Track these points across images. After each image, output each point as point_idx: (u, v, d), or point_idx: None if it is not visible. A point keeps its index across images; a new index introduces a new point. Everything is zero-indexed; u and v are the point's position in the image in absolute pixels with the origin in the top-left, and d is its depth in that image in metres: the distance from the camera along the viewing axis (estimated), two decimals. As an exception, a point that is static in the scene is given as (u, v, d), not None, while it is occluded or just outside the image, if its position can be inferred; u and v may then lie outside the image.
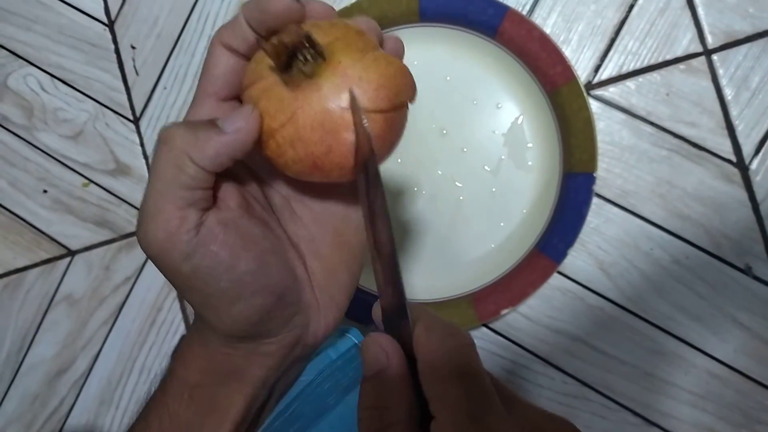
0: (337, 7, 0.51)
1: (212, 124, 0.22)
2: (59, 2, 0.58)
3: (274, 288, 0.24)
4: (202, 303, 0.24)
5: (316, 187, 0.27)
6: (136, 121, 0.56)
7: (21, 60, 0.58)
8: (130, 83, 0.56)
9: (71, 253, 0.57)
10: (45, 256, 0.58)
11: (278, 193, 0.27)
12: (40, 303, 0.58)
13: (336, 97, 0.22)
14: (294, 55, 0.21)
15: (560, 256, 0.46)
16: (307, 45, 0.21)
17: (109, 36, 0.57)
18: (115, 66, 0.57)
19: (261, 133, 0.23)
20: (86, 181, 0.57)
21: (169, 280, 0.23)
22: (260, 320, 0.24)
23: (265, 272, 0.23)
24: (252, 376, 0.25)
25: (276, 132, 0.22)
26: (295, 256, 0.26)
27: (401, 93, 0.23)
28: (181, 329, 0.55)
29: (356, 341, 0.34)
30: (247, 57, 0.24)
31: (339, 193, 0.28)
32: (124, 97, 0.56)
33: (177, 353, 0.27)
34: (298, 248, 0.27)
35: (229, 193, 0.24)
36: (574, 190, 0.46)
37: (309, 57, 0.21)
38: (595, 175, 0.46)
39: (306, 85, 0.22)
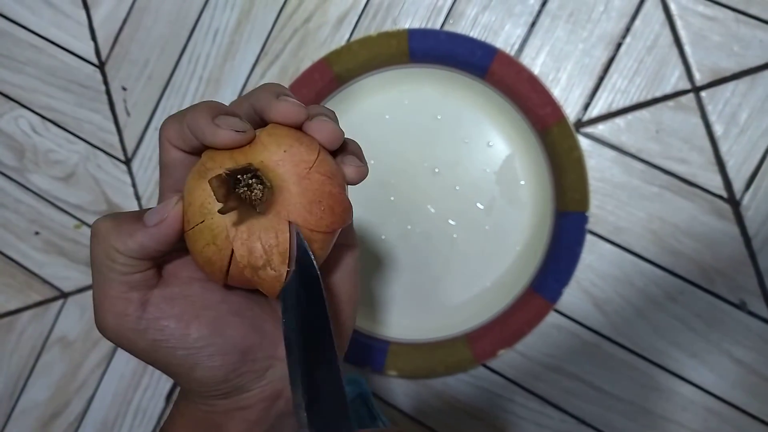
0: (328, 49, 0.51)
1: (139, 216, 0.23)
2: (50, 44, 0.58)
3: (233, 348, 0.24)
4: (166, 371, 0.25)
5: None
6: (127, 162, 0.56)
7: (12, 102, 0.58)
8: (121, 124, 0.56)
9: (64, 295, 0.57)
10: (38, 298, 0.58)
11: None
12: (33, 346, 0.57)
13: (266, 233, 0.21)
14: (238, 182, 0.21)
15: (555, 295, 0.46)
16: (254, 180, 0.21)
17: (100, 77, 0.57)
18: (107, 107, 0.57)
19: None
20: (78, 222, 0.57)
21: (134, 356, 0.24)
22: (226, 378, 0.25)
23: (221, 334, 0.24)
24: (234, 431, 0.26)
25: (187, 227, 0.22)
26: (267, 312, 0.27)
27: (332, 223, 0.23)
28: (176, 371, 0.55)
29: (359, 391, 0.34)
30: (196, 153, 0.24)
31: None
32: (116, 138, 0.56)
33: (171, 411, 0.28)
34: (271, 303, 0.27)
35: (179, 266, 0.25)
36: (566, 229, 0.46)
37: (255, 190, 0.21)
38: (587, 214, 0.46)
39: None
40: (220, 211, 0.20)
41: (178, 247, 0.24)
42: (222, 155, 0.22)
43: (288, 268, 0.22)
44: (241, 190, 0.20)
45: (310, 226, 0.22)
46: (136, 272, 0.23)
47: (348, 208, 0.23)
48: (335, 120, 0.25)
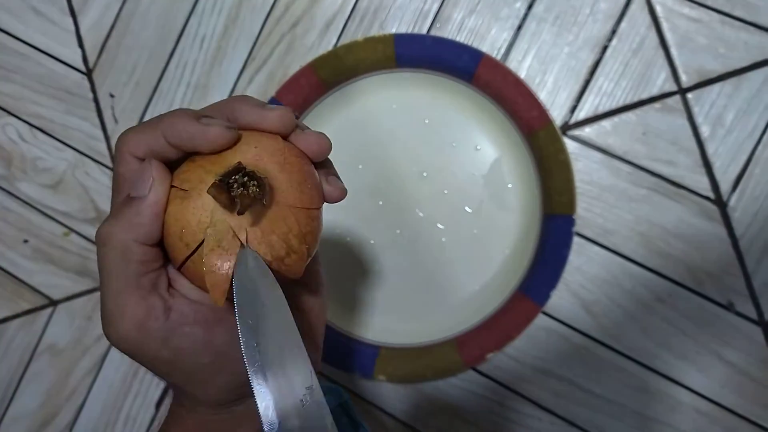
0: (315, 54, 0.51)
1: (127, 200, 0.22)
2: (38, 52, 0.58)
3: None
4: (186, 381, 0.24)
5: None
6: (116, 169, 0.56)
7: (0, 110, 0.58)
8: (109, 131, 0.56)
9: (53, 303, 0.57)
10: (27, 306, 0.57)
11: None
12: (22, 354, 0.57)
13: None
14: (231, 186, 0.21)
15: (543, 298, 0.46)
16: (246, 179, 0.21)
17: (87, 85, 0.57)
18: (94, 114, 0.56)
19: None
20: (67, 230, 0.57)
21: (149, 369, 0.23)
22: (245, 383, 0.24)
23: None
24: None
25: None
26: None
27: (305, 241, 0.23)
28: (166, 378, 0.54)
29: (339, 402, 0.34)
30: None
31: None
32: (104, 145, 0.56)
33: (166, 424, 0.27)
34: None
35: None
36: (554, 233, 0.46)
37: (252, 187, 0.21)
38: (574, 217, 0.46)
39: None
40: (239, 212, 0.20)
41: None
42: (195, 172, 0.22)
43: (306, 245, 0.23)
44: (238, 192, 0.20)
45: (306, 205, 0.23)
46: (152, 270, 0.22)
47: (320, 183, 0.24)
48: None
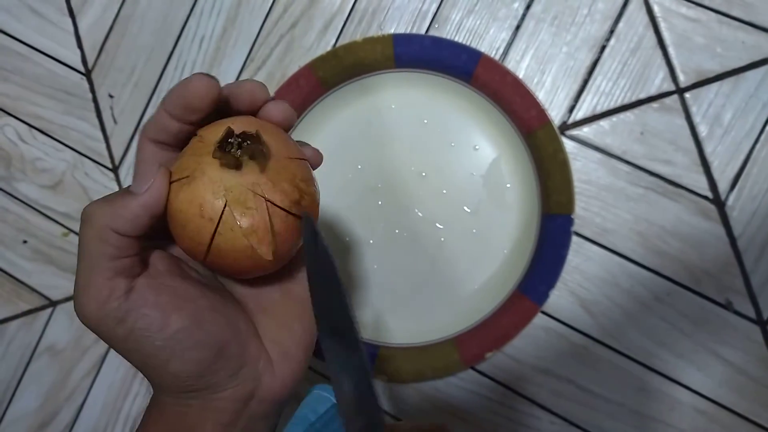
0: (314, 55, 0.51)
1: (125, 191, 0.24)
2: (36, 53, 0.58)
3: (211, 342, 0.25)
4: (142, 363, 0.25)
5: None
6: (115, 170, 0.56)
7: (-2, 110, 0.58)
8: (108, 132, 0.56)
9: (53, 304, 0.57)
10: (26, 307, 0.57)
11: None
12: (21, 355, 0.57)
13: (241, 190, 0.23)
14: (235, 143, 0.23)
15: (542, 298, 0.46)
16: (253, 140, 0.23)
17: (86, 85, 0.57)
18: (93, 115, 0.56)
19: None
20: (66, 230, 0.57)
21: (110, 347, 0.25)
22: (200, 374, 0.25)
23: (200, 327, 0.24)
24: None
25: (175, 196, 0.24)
26: (239, 311, 0.27)
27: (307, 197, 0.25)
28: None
29: (334, 401, 0.34)
30: (174, 147, 0.25)
31: None
32: (103, 145, 0.56)
33: (144, 414, 0.28)
34: (244, 305, 0.28)
35: (159, 258, 0.25)
36: (552, 232, 0.46)
37: (251, 146, 0.23)
38: (572, 216, 0.46)
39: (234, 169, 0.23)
40: (244, 163, 0.23)
41: (160, 239, 0.25)
42: (189, 161, 0.23)
43: (313, 187, 0.25)
44: (239, 149, 0.23)
45: (298, 156, 0.25)
46: (125, 256, 0.23)
47: None
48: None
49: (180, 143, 0.25)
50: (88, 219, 0.23)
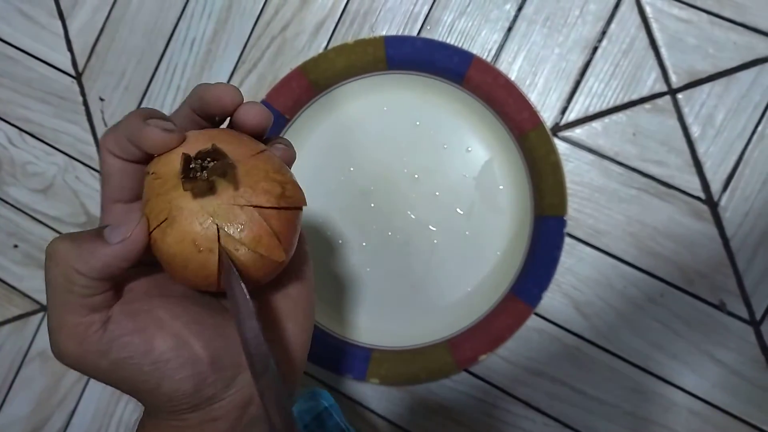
0: (306, 57, 0.51)
1: (98, 234, 0.22)
2: (26, 56, 0.57)
3: (200, 357, 0.24)
4: (132, 389, 0.24)
5: None
6: (106, 173, 0.56)
7: (-12, 114, 0.58)
8: (99, 135, 0.56)
9: (44, 309, 0.56)
10: (17, 312, 0.57)
11: None
12: (12, 360, 0.57)
13: (205, 219, 0.22)
14: (198, 166, 0.22)
15: (535, 300, 0.46)
16: (213, 159, 0.22)
17: (77, 88, 0.56)
18: (84, 118, 0.56)
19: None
20: (57, 234, 0.56)
21: (96, 380, 0.24)
22: (195, 390, 0.24)
23: (186, 345, 0.24)
24: None
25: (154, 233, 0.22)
26: (227, 319, 0.26)
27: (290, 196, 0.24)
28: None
29: (327, 405, 0.34)
30: (134, 161, 0.24)
31: None
32: (94, 149, 0.56)
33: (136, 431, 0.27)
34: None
35: (135, 281, 0.25)
36: (545, 234, 0.46)
37: (210, 169, 0.21)
38: (565, 218, 0.46)
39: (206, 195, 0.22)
40: (214, 182, 0.21)
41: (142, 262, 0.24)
42: (158, 203, 0.22)
43: (289, 173, 0.24)
44: (206, 172, 0.21)
45: (258, 150, 0.24)
46: (95, 294, 0.22)
47: None
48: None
49: (150, 157, 0.24)
50: (53, 256, 0.22)
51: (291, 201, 0.23)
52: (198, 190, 0.21)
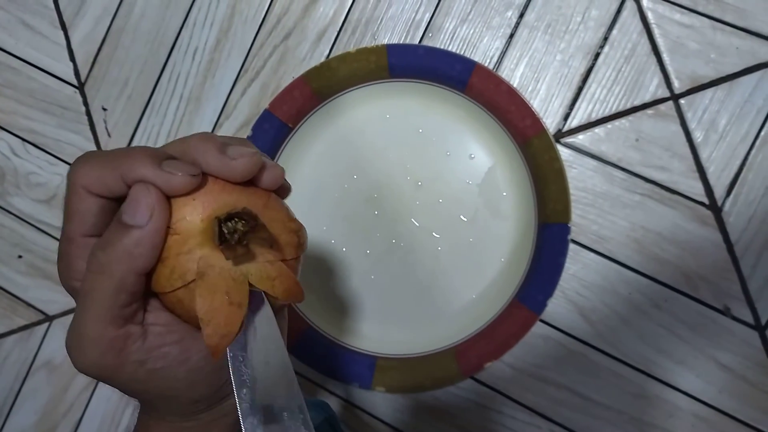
0: (308, 65, 0.51)
1: (122, 227, 0.21)
2: (29, 66, 0.57)
3: (224, 363, 0.25)
4: (158, 396, 0.24)
5: None
6: (110, 183, 0.56)
7: (-9, 125, 0.58)
8: (102, 145, 0.56)
9: (49, 319, 0.57)
10: (22, 322, 0.57)
11: None
12: (18, 370, 0.57)
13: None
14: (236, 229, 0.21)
15: (540, 307, 0.46)
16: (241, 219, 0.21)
17: (79, 98, 0.56)
18: (87, 128, 0.56)
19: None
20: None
21: (120, 389, 0.24)
22: (217, 391, 0.25)
23: None
24: None
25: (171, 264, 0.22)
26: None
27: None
28: (163, 392, 0.54)
29: (326, 415, 0.34)
30: (116, 197, 0.22)
31: None
32: (97, 159, 0.56)
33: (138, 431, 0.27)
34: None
35: (154, 298, 0.25)
36: (549, 241, 0.46)
37: (244, 226, 0.21)
38: (569, 225, 0.46)
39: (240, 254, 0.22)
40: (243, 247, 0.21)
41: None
42: (178, 213, 0.22)
43: (293, 215, 0.24)
44: (238, 236, 0.21)
45: (267, 195, 0.24)
46: (136, 300, 0.22)
47: None
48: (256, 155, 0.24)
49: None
50: (104, 269, 0.21)
51: (304, 246, 0.24)
52: (238, 257, 0.21)
